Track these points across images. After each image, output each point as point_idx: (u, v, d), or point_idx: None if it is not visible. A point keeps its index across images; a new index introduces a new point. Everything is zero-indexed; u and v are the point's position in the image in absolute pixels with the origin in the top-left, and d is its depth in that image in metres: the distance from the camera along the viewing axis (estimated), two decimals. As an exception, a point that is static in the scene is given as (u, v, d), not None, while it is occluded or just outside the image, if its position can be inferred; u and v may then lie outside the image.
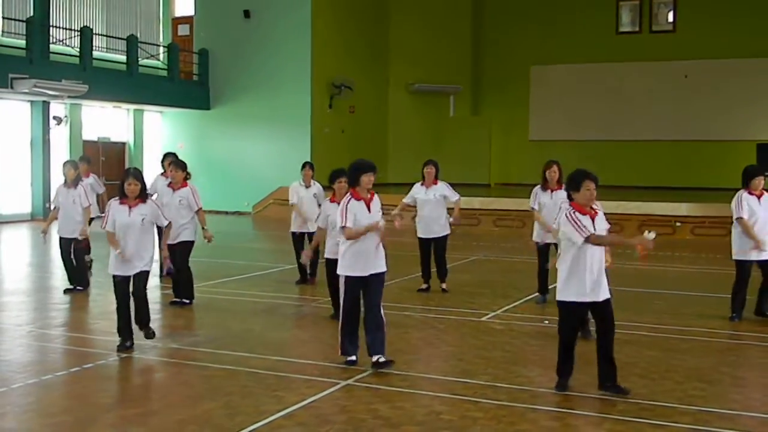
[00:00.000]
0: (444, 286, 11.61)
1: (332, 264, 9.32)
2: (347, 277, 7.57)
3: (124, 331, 8.19)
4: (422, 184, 11.61)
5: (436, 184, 11.55)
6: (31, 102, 22.46)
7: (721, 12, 27.71)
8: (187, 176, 10.72)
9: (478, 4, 31.22)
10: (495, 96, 31.14)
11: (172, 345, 8.52)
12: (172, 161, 11.13)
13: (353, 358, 7.58)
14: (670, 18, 29.09)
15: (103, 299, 11.12)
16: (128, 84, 24.43)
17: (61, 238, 11.55)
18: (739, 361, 8.02)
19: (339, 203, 9.14)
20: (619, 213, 18.68)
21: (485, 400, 6.64)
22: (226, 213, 25.64)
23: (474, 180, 27.49)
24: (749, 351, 8.45)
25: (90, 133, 24.81)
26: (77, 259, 11.63)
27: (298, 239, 12.31)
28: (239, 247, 18.07)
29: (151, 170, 26.90)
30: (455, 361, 7.98)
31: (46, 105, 22.58)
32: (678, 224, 19.57)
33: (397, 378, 7.22)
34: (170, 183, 10.77)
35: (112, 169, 25.52)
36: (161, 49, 27.17)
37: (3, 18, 22.31)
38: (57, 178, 23.06)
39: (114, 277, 8.21)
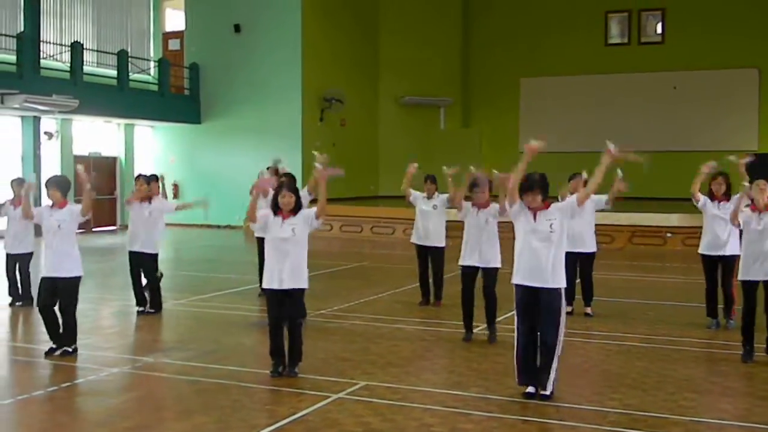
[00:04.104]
0: (589, 310, 10.88)
1: (470, 274, 9.34)
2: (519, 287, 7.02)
3: (275, 354, 7.76)
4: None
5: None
6: (22, 117, 22.43)
7: (709, 23, 27.91)
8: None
9: (468, 17, 31.36)
10: (485, 108, 31.24)
11: (164, 359, 8.52)
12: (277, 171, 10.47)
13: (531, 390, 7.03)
14: (659, 29, 29.27)
15: (94, 314, 11.12)
16: (119, 99, 24.42)
17: (131, 253, 11.08)
18: (729, 371, 8.06)
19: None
20: (610, 224, 18.75)
21: (476, 412, 6.65)
22: (218, 227, 25.64)
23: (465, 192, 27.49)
24: (739, 360, 8.48)
25: (81, 148, 24.77)
26: (150, 277, 11.13)
27: (421, 252, 11.69)
28: (231, 261, 18.08)
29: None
30: (446, 374, 7.99)
31: (37, 120, 22.55)
32: (669, 235, 19.64)
33: (388, 391, 7.23)
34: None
35: (103, 184, 25.51)
36: (152, 64, 27.20)
37: (-7, 34, 22.34)
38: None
39: (264, 290, 7.98)
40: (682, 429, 6.27)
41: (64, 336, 8.56)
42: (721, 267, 9.95)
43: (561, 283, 6.98)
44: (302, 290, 7.83)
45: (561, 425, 6.36)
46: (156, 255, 11.20)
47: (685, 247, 19.04)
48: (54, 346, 8.55)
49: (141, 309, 11.07)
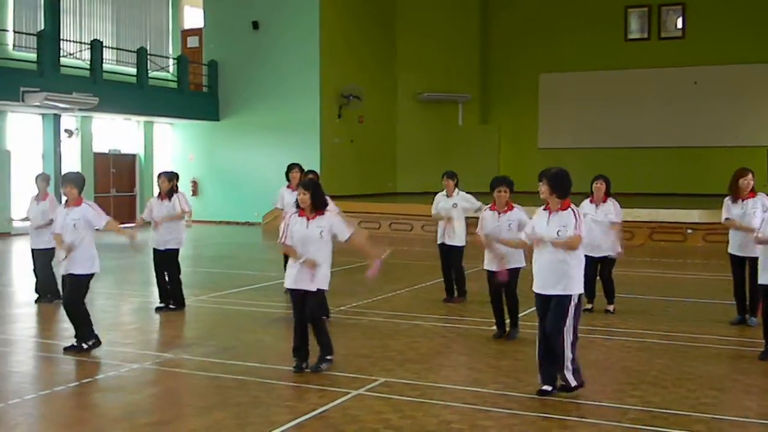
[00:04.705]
0: (611, 308, 10.75)
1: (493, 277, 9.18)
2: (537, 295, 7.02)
3: (299, 351, 7.77)
4: (591, 201, 10.63)
5: (605, 201, 10.53)
6: (43, 115, 22.58)
7: (730, 17, 27.68)
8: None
9: (487, 12, 31.26)
10: (504, 104, 31.15)
11: (184, 356, 8.55)
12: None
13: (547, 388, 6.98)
14: (679, 24, 29.08)
15: (114, 310, 11.18)
16: (138, 96, 24.55)
17: (155, 251, 11.06)
18: (752, 368, 7.99)
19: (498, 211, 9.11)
20: (630, 221, 18.60)
21: (496, 408, 6.63)
22: (237, 223, 25.71)
23: (483, 189, 27.27)
24: (762, 358, 8.41)
25: (101, 146, 24.93)
26: (172, 276, 11.11)
27: (444, 251, 11.58)
28: (250, 258, 18.12)
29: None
30: (465, 370, 7.98)
31: (57, 118, 22.68)
32: (690, 231, 19.51)
33: (407, 387, 7.22)
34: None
35: (123, 182, 25.67)
36: (171, 62, 27.30)
37: (14, 32, 22.47)
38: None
39: (289, 291, 7.87)
40: (704, 426, 6.22)
41: (77, 332, 8.61)
42: (749, 266, 9.59)
43: (574, 289, 6.83)
44: (323, 290, 7.82)
45: (581, 422, 6.33)
46: (177, 251, 11.20)
47: (706, 243, 18.91)
48: (75, 344, 8.59)
49: (162, 305, 11.11)
